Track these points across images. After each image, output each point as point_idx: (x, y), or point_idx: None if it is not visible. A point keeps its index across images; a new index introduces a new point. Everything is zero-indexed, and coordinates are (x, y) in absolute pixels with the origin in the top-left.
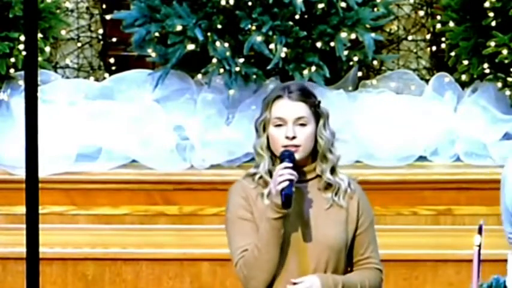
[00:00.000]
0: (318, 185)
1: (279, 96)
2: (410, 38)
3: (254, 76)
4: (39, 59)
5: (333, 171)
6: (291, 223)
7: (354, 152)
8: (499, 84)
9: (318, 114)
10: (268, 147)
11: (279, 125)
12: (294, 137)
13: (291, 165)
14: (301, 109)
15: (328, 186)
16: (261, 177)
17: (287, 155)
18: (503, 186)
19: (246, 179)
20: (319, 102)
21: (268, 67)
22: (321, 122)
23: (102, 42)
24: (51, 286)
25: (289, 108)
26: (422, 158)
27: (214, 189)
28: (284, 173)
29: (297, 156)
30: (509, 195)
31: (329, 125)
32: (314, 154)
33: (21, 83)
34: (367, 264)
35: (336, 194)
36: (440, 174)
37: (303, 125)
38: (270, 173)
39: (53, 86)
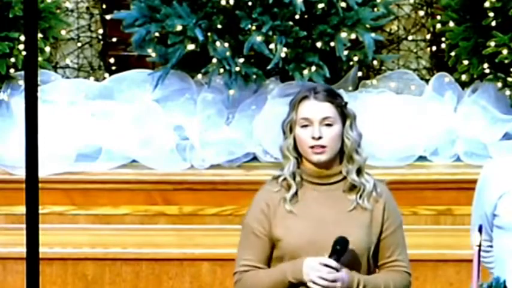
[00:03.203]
0: (344, 186)
1: (305, 97)
2: (410, 38)
3: (254, 76)
4: (39, 59)
5: (358, 172)
6: (314, 225)
7: None
8: (499, 84)
9: (345, 115)
10: (295, 148)
11: (305, 126)
12: (320, 137)
13: (336, 265)
14: (328, 109)
15: (353, 187)
16: (284, 179)
17: (338, 241)
18: (481, 190)
19: (270, 183)
20: (346, 103)
21: (268, 67)
22: (348, 122)
23: (102, 42)
24: (51, 286)
25: (316, 108)
26: (422, 158)
27: (214, 189)
28: (324, 277)
29: (324, 157)
30: (491, 201)
31: (356, 125)
32: (341, 156)
33: (21, 83)
34: (394, 267)
35: (360, 196)
36: (440, 174)
37: (329, 125)
38: (294, 175)
39: (53, 86)
